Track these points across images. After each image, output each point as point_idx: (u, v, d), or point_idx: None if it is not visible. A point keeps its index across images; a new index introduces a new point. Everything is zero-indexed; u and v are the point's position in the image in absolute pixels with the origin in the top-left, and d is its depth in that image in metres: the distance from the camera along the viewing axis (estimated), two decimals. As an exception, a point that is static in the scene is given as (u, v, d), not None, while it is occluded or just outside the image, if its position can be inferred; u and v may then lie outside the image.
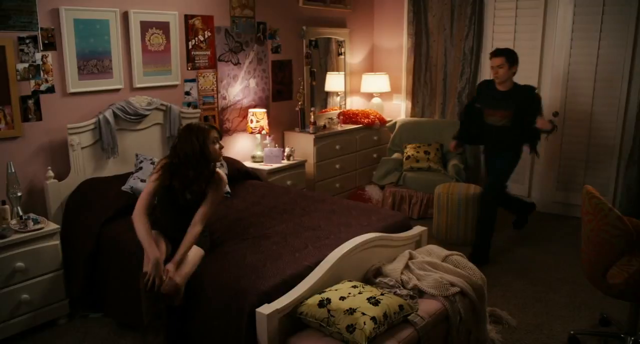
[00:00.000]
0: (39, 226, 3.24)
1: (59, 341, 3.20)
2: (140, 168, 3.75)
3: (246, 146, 5.14)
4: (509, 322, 3.36)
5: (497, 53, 4.18)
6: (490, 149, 4.56)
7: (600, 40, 4.94)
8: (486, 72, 5.73)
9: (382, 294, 2.56)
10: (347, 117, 5.90)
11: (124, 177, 3.76)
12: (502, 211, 5.60)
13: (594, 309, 3.54)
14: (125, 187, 3.58)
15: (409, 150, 5.53)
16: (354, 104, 6.37)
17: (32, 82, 3.56)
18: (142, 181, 3.61)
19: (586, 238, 2.89)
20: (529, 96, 4.19)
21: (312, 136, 5.31)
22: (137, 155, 3.90)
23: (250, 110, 4.95)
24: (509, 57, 4.13)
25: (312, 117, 5.41)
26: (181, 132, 2.99)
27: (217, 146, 2.96)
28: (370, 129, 5.93)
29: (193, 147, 2.86)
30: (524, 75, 5.44)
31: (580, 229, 2.99)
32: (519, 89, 4.24)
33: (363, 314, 2.38)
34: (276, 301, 2.47)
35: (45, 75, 3.62)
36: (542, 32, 5.28)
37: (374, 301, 2.47)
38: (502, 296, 3.73)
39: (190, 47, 4.50)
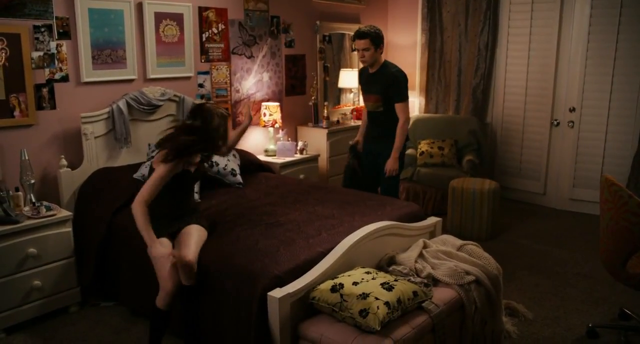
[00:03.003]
0: (52, 212, 3.24)
1: (71, 329, 3.19)
2: (152, 157, 3.72)
3: (259, 140, 5.12)
4: (525, 315, 3.30)
5: (361, 35, 3.81)
6: (372, 138, 4.11)
7: (619, 34, 4.85)
8: (502, 68, 5.68)
9: (395, 280, 2.52)
10: (361, 113, 5.85)
11: (137, 167, 3.75)
12: (513, 206, 5.57)
13: (613, 304, 3.46)
14: (137, 175, 3.58)
15: (423, 146, 5.48)
16: (368, 100, 6.33)
17: (47, 70, 3.58)
18: (154, 169, 3.58)
19: (605, 227, 2.83)
20: (392, 76, 3.87)
21: (325, 131, 5.28)
22: (149, 145, 3.89)
23: (263, 103, 4.94)
24: (374, 39, 3.79)
25: (326, 111, 5.39)
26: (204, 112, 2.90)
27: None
28: (384, 125, 5.89)
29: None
30: (540, 70, 5.41)
31: (597, 226, 2.93)
32: (386, 67, 3.92)
33: (376, 299, 2.33)
34: (288, 285, 2.44)
35: (60, 64, 3.63)
36: (559, 26, 5.20)
37: (388, 287, 2.43)
38: (518, 290, 3.66)
39: (203, 39, 4.50)
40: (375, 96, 3.95)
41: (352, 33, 5.95)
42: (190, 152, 2.82)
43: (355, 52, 6.07)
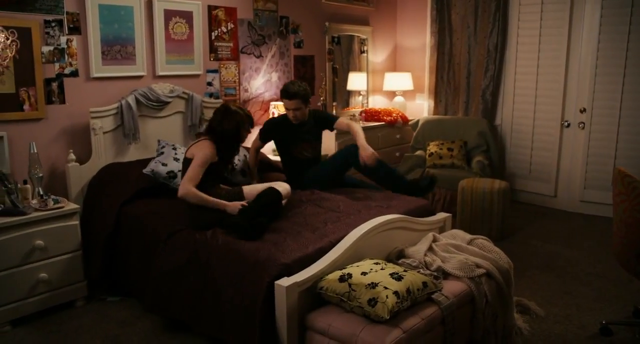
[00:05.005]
0: (59, 205, 3.23)
1: (77, 322, 3.17)
2: (162, 153, 3.73)
3: (267, 140, 5.10)
4: (537, 312, 3.24)
5: (290, 95, 3.63)
6: (301, 180, 3.81)
7: (630, 34, 4.81)
8: (512, 70, 5.65)
9: (405, 271, 2.48)
10: (370, 114, 5.84)
11: (145, 163, 3.74)
12: (523, 209, 5.51)
13: (627, 303, 3.39)
14: (146, 170, 3.56)
15: (432, 147, 5.44)
16: (377, 103, 6.32)
17: (57, 65, 3.59)
18: (164, 164, 3.59)
19: (618, 220, 2.78)
20: (318, 115, 3.95)
21: (334, 132, 5.24)
22: (159, 141, 3.89)
23: (272, 103, 4.93)
24: (303, 97, 3.66)
25: (335, 112, 5.37)
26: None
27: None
28: (393, 127, 5.85)
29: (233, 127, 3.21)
30: (550, 71, 5.38)
31: (610, 227, 2.88)
32: (311, 115, 3.90)
33: (385, 288, 2.30)
34: (296, 274, 2.41)
35: (70, 59, 3.65)
36: (569, 26, 5.17)
37: (397, 277, 2.39)
38: (529, 288, 3.60)
39: (213, 37, 4.51)
40: (314, 143, 3.95)
41: (361, 35, 6.00)
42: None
43: (364, 55, 6.11)
